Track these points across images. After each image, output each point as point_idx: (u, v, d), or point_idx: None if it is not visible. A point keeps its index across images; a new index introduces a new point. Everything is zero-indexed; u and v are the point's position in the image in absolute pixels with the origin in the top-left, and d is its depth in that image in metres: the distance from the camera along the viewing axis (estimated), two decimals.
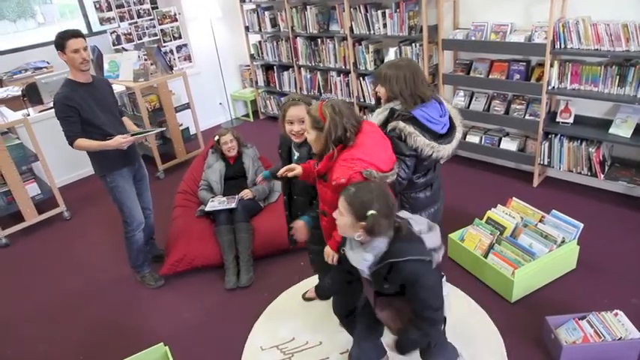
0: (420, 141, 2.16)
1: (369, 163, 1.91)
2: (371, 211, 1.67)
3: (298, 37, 5.45)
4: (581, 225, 2.93)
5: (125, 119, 3.27)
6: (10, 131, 4.41)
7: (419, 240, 1.81)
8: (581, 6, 3.45)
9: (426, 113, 2.20)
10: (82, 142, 2.87)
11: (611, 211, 3.56)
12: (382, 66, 2.33)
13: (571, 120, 3.70)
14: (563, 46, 3.45)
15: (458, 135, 2.30)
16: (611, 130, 3.47)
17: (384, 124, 2.27)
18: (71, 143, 2.89)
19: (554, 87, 3.61)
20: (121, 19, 5.60)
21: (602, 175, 3.54)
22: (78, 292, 3.44)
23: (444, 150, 2.22)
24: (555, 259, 2.87)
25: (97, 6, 5.43)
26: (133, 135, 3.03)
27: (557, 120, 3.76)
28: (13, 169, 4.09)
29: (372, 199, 1.69)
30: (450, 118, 2.31)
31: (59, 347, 2.96)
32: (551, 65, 3.55)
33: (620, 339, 2.34)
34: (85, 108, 2.88)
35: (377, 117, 2.33)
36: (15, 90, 5.29)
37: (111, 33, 5.56)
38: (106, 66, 5.13)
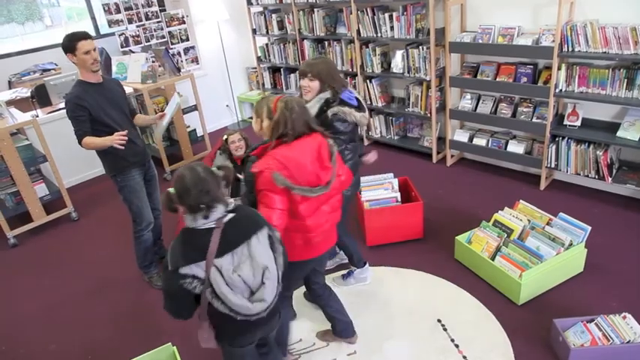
0: (356, 115, 2.59)
1: (284, 167, 2.01)
2: (170, 189, 1.77)
3: (305, 40, 5.47)
4: (589, 228, 2.92)
5: (138, 116, 3.31)
6: (20, 132, 4.45)
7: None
8: (589, 9, 3.45)
9: (348, 94, 2.65)
10: (88, 139, 2.89)
11: (619, 214, 3.55)
12: (308, 63, 2.66)
13: (578, 123, 3.70)
14: (570, 49, 3.45)
15: (366, 108, 2.75)
16: (619, 133, 3.46)
17: (318, 114, 2.57)
18: (80, 142, 2.91)
19: (561, 90, 3.61)
20: (130, 21, 5.64)
21: (609, 179, 3.53)
22: (86, 292, 3.46)
23: (363, 117, 2.65)
24: (563, 262, 2.86)
25: (106, 8, 5.48)
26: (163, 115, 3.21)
27: (565, 123, 3.76)
28: (22, 169, 4.13)
29: (179, 178, 1.74)
30: (357, 99, 2.72)
31: (68, 347, 2.98)
32: (559, 68, 3.55)
33: (628, 342, 2.33)
34: (95, 107, 2.91)
35: (312, 109, 2.55)
36: (24, 92, 5.33)
37: (119, 35, 5.60)
38: (114, 68, 5.16)
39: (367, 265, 3.16)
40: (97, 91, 2.96)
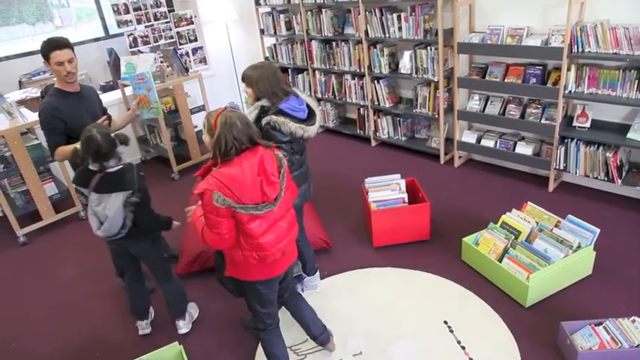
0: (291, 126, 2.50)
1: (224, 187, 1.91)
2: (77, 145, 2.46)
3: (313, 40, 5.47)
4: (598, 230, 2.90)
5: (114, 121, 3.13)
6: (29, 132, 4.49)
7: None
8: (600, 9, 3.42)
9: (290, 104, 2.55)
10: (60, 149, 2.78)
11: (629, 216, 3.51)
12: (246, 69, 2.61)
13: (588, 124, 3.67)
14: (580, 49, 3.42)
15: (318, 118, 2.67)
16: (629, 135, 3.43)
17: (256, 121, 2.54)
18: (52, 154, 2.81)
19: (570, 91, 3.58)
20: (138, 21, 5.67)
21: (619, 181, 3.50)
22: (94, 289, 3.48)
23: (310, 130, 2.59)
24: (571, 265, 2.84)
25: (115, 9, 5.52)
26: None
27: (574, 124, 3.73)
28: (31, 168, 4.17)
29: (87, 139, 2.36)
30: (309, 106, 2.67)
31: (76, 344, 3.00)
32: (568, 69, 3.52)
33: (637, 346, 2.31)
34: (72, 118, 2.78)
35: (249, 115, 2.55)
36: (33, 91, 5.39)
37: (128, 35, 5.64)
38: (122, 68, 5.20)
39: (318, 272, 3.15)
40: (74, 101, 2.84)
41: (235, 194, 1.93)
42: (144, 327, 2.97)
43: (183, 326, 2.93)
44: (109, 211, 2.42)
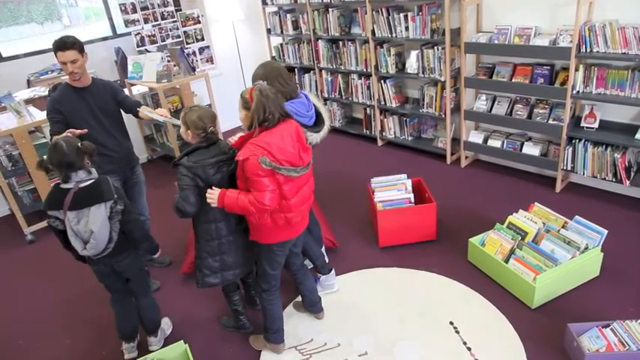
0: None
1: (268, 153, 2.12)
2: (44, 157, 2.30)
3: (320, 40, 5.47)
4: (606, 231, 2.88)
5: (141, 110, 3.19)
6: (37, 130, 4.51)
7: None
8: (609, 9, 3.40)
9: (295, 108, 2.58)
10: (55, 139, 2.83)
11: (637, 218, 3.48)
12: (256, 68, 2.70)
13: (596, 125, 3.64)
14: (589, 49, 3.40)
15: (325, 127, 2.69)
16: (638, 136, 3.40)
17: None
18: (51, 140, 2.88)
19: (578, 91, 3.55)
20: (146, 21, 5.69)
21: (627, 182, 3.47)
22: (100, 288, 3.48)
23: (314, 137, 2.63)
24: (578, 266, 2.82)
25: (123, 8, 5.54)
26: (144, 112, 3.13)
27: (582, 125, 3.70)
28: None
29: (53, 147, 2.26)
30: (319, 114, 2.69)
31: (83, 342, 3.02)
32: (576, 69, 3.50)
33: None
34: (71, 113, 2.92)
35: None
36: (42, 90, 5.41)
37: (135, 35, 5.66)
38: (129, 67, 5.21)
39: (333, 271, 3.13)
40: (79, 97, 2.95)
41: (277, 159, 2.14)
42: (130, 350, 2.81)
43: (155, 343, 2.84)
44: (92, 225, 2.28)
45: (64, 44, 2.79)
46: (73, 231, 2.32)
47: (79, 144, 2.30)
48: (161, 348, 2.77)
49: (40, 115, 4.35)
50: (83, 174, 2.32)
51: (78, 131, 2.82)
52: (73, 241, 2.35)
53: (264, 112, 2.16)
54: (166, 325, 3.00)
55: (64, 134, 2.73)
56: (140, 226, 2.52)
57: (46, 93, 5.10)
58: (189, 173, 2.29)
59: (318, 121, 2.68)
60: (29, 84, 5.81)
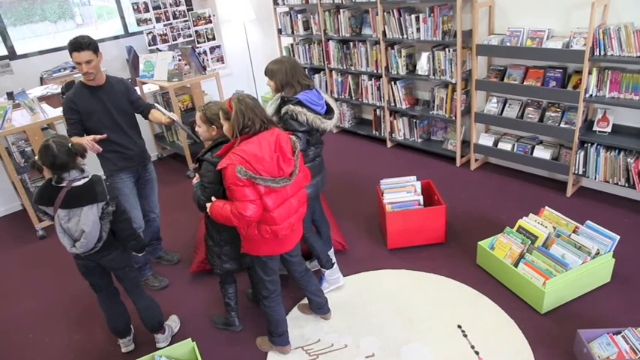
0: (309, 116, 2.62)
1: (245, 162, 2.12)
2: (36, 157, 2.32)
3: (330, 41, 5.47)
4: (617, 237, 2.84)
5: (152, 111, 3.26)
6: (50, 127, 4.56)
7: None
8: (624, 11, 3.36)
9: (309, 97, 2.67)
10: (73, 139, 2.80)
11: None
12: (268, 64, 2.76)
13: (609, 129, 3.60)
14: (602, 53, 3.36)
15: (335, 115, 2.79)
16: None
17: (277, 112, 2.70)
18: None
19: (591, 95, 3.52)
20: (158, 20, 5.74)
21: None
22: None
23: (327, 124, 2.71)
24: (589, 271, 2.79)
25: (135, 7, 5.58)
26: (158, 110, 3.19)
27: (594, 129, 3.67)
28: None
29: (43, 149, 2.26)
30: (328, 104, 2.79)
31: (91, 337, 3.04)
32: (590, 72, 3.46)
33: None
34: (86, 112, 2.94)
35: (271, 106, 2.75)
36: (54, 88, 5.47)
37: (147, 33, 5.70)
38: (141, 66, 5.25)
39: (336, 264, 3.14)
40: (94, 95, 2.96)
41: (254, 167, 2.13)
42: (127, 344, 2.86)
43: (162, 340, 2.85)
44: (84, 225, 2.30)
45: (80, 45, 2.81)
46: (63, 228, 2.35)
47: (70, 145, 2.30)
48: (168, 345, 2.78)
49: (52, 113, 4.39)
50: (76, 173, 2.33)
51: (98, 137, 2.89)
52: (61, 238, 2.38)
53: (244, 118, 2.19)
54: (174, 322, 3.01)
55: (82, 139, 2.81)
56: (129, 226, 2.54)
57: (59, 90, 5.16)
58: (214, 169, 2.29)
59: (328, 110, 2.78)
60: (42, 81, 5.88)
